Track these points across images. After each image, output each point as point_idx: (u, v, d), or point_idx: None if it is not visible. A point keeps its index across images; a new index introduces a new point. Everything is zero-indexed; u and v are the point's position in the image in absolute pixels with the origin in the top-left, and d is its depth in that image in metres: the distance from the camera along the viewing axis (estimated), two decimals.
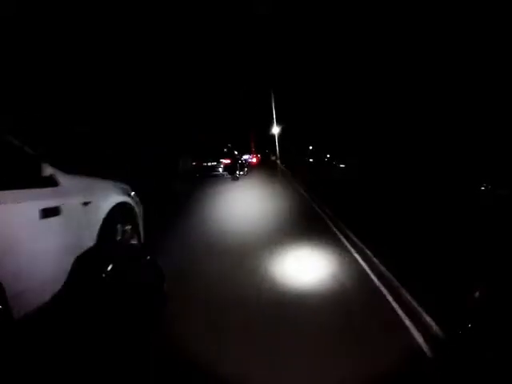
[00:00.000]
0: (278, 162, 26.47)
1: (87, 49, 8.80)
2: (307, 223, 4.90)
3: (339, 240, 3.95)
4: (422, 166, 10.48)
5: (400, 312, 2.27)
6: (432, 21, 11.74)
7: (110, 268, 1.94)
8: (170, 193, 8.86)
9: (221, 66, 20.92)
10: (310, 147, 39.47)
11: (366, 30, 16.95)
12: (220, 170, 10.87)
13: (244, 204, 6.83)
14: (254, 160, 26.69)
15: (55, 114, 7.56)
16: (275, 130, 26.65)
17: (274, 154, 29.30)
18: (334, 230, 4.44)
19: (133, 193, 2.98)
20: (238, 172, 11.41)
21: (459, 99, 10.51)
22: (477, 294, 1.59)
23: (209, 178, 11.07)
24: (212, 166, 10.89)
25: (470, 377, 1.40)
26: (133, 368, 1.82)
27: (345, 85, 21.11)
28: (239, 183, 10.67)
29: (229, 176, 10.99)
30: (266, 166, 22.72)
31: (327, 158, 26.27)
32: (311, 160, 30.93)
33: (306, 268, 3.06)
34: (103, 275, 1.90)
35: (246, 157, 21.36)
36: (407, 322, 2.13)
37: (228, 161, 10.96)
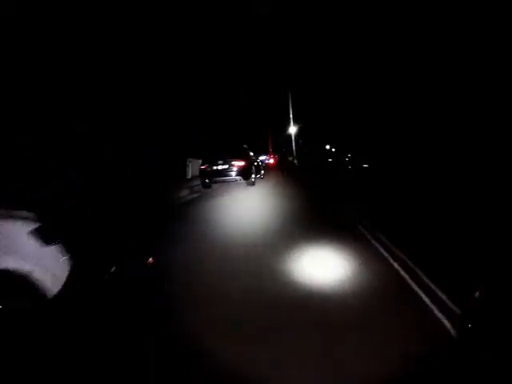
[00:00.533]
0: (296, 162, 26.06)
1: (87, 49, 8.79)
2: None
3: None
4: (456, 167, 9.85)
5: None
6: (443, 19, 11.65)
7: (112, 270, 1.94)
8: (168, 205, 7.95)
9: (221, 66, 20.90)
10: (327, 146, 38.79)
11: (371, 28, 16.91)
12: (233, 174, 9.32)
13: (269, 223, 5.23)
14: (272, 161, 25.27)
15: (55, 113, 7.55)
16: (292, 129, 26.29)
17: (291, 154, 28.89)
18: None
19: None
20: (253, 176, 10.04)
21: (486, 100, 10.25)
22: (477, 294, 1.59)
23: (220, 183, 9.83)
24: (223, 169, 9.34)
25: (470, 377, 1.41)
26: (133, 368, 1.83)
27: (359, 82, 21.01)
28: (256, 190, 9.62)
29: (243, 181, 9.58)
30: (284, 167, 21.19)
31: (348, 157, 25.24)
32: (330, 160, 30.11)
33: None
34: (106, 276, 1.90)
35: (262, 158, 19.78)
36: None
37: (242, 163, 9.38)
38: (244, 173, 9.45)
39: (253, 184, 10.02)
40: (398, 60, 15.50)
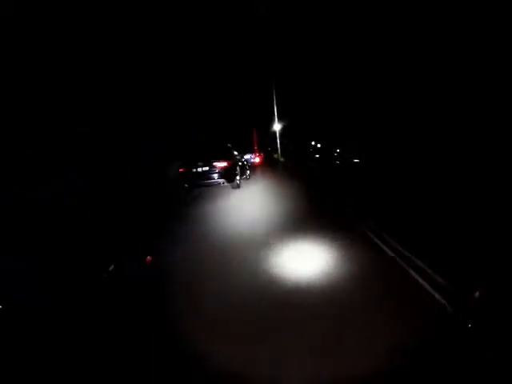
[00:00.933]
0: (282, 159, 26.02)
1: (87, 49, 8.80)
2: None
3: None
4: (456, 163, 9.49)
5: None
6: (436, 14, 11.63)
7: (111, 268, 1.95)
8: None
9: (221, 66, 20.92)
10: (313, 142, 38.38)
11: (368, 26, 16.90)
12: (215, 176, 8.43)
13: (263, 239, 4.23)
14: (258, 160, 24.02)
15: (55, 113, 7.57)
16: (277, 126, 26.13)
17: (276, 151, 28.86)
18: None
19: None
20: (238, 177, 9.22)
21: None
22: (477, 294, 1.59)
23: (201, 187, 8.84)
24: (203, 172, 8.43)
25: (470, 376, 1.40)
26: (133, 368, 1.82)
27: (348, 80, 20.91)
28: (242, 193, 8.67)
29: (227, 184, 8.73)
30: (270, 166, 20.54)
31: (336, 152, 24.87)
32: (317, 156, 29.76)
33: None
34: (104, 275, 1.90)
35: (247, 156, 19.15)
36: None
37: (224, 164, 8.49)
38: (227, 175, 8.58)
39: (238, 187, 9.18)
40: (387, 55, 15.43)
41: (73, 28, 8.27)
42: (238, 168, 9.35)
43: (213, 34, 19.39)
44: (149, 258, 2.39)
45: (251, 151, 25.49)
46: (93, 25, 9.01)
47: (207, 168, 8.42)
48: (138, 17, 11.52)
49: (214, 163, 8.42)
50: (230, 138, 16.38)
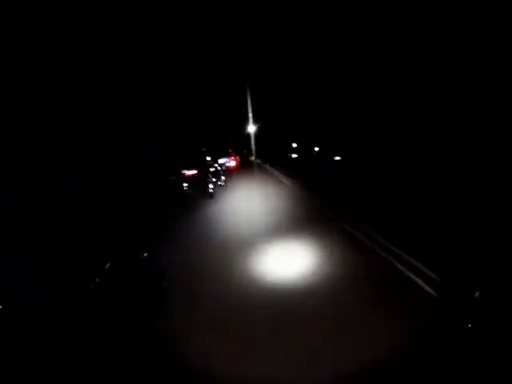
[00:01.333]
0: (258, 161, 25.73)
1: (87, 49, 8.80)
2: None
3: None
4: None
5: None
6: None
7: (107, 266, 1.94)
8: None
9: (220, 66, 20.90)
10: (294, 144, 37.27)
11: (366, 28, 16.85)
12: (183, 186, 7.72)
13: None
14: (233, 163, 22.19)
15: (55, 113, 7.56)
16: (251, 128, 25.36)
17: (252, 153, 28.51)
18: None
19: None
20: (211, 186, 8.28)
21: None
22: (477, 293, 1.59)
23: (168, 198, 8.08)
24: (170, 182, 7.83)
25: (470, 376, 1.40)
26: (133, 368, 1.82)
27: (329, 79, 20.58)
28: (216, 204, 7.61)
29: (198, 195, 7.91)
30: (246, 169, 19.29)
31: (315, 151, 23.93)
32: (294, 156, 28.97)
33: None
34: (101, 272, 1.90)
35: (222, 161, 17.18)
36: None
37: (193, 172, 7.68)
38: (198, 183, 7.76)
39: (211, 197, 8.10)
40: (382, 62, 15.36)
41: (73, 28, 8.26)
42: (209, 176, 8.42)
43: (212, 33, 19.38)
44: (146, 255, 2.39)
45: (226, 155, 23.84)
46: (93, 25, 9.00)
47: (174, 177, 7.72)
48: (138, 17, 11.53)
49: (182, 171, 7.65)
50: (205, 141, 15.34)
